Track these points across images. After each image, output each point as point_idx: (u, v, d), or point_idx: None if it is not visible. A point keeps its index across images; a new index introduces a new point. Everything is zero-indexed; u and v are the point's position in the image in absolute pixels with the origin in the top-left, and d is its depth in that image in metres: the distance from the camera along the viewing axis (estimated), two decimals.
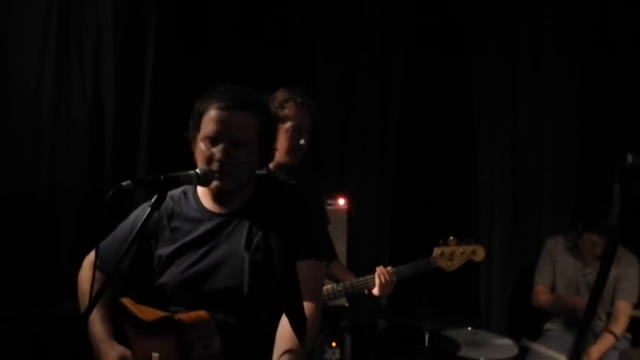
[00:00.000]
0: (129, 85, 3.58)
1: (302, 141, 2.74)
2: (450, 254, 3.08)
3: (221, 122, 1.87)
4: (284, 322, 1.82)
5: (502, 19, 4.20)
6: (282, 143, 2.66)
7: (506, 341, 3.64)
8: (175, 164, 1.94)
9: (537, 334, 3.80)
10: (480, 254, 3.13)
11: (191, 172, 1.86)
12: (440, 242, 3.11)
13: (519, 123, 4.23)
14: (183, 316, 1.86)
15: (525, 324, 3.98)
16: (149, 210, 1.77)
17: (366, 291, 2.96)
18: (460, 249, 3.10)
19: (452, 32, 4.25)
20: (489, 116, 4.26)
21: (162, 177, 1.78)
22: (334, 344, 3.56)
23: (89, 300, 1.70)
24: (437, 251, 3.08)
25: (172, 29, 3.78)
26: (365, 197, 4.20)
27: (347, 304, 3.40)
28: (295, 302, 1.77)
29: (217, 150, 1.87)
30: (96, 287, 1.75)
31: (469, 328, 3.68)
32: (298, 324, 1.75)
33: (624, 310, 3.54)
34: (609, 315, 3.58)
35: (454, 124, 4.29)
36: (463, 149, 4.30)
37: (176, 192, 2.02)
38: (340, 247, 3.69)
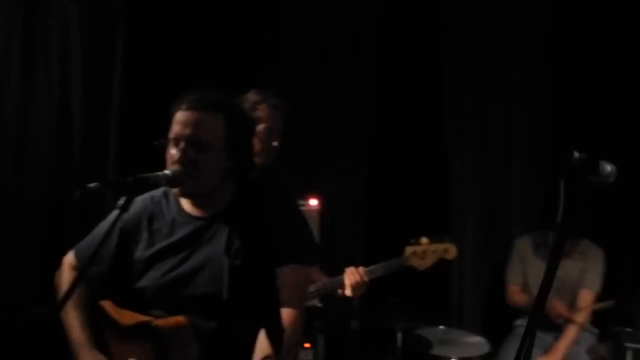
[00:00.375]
0: (97, 89, 3.53)
1: (274, 143, 2.73)
2: (422, 253, 3.09)
3: (182, 123, 1.84)
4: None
5: (472, 18, 4.22)
6: (254, 145, 2.64)
7: (478, 339, 3.66)
8: (145, 168, 1.88)
9: (508, 331, 3.84)
10: (452, 252, 3.15)
11: (160, 173, 1.82)
12: (412, 241, 3.12)
13: (489, 122, 4.27)
14: (161, 322, 1.84)
15: (497, 321, 4.02)
16: (118, 212, 1.73)
17: (339, 292, 2.95)
18: (432, 248, 3.11)
19: (422, 32, 4.27)
20: (459, 115, 4.29)
21: (130, 179, 1.75)
22: (307, 345, 3.55)
23: (65, 294, 1.66)
24: (409, 250, 3.09)
25: (141, 34, 3.74)
26: (337, 197, 4.20)
27: (319, 305, 3.39)
28: (271, 311, 1.75)
29: (176, 151, 1.84)
30: (80, 288, 1.79)
31: (441, 327, 3.70)
32: (274, 335, 1.73)
33: (586, 299, 3.59)
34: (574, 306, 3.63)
35: (425, 123, 4.30)
36: (434, 149, 4.32)
37: (157, 193, 1.98)
38: None
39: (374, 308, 3.44)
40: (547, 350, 3.55)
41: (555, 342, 3.55)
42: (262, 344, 1.79)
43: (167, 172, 1.83)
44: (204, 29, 3.98)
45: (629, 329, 2.90)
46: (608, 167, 1.49)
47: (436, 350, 3.52)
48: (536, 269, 3.76)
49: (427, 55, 4.29)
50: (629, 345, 2.85)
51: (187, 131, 1.83)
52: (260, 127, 2.67)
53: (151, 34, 3.79)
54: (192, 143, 1.83)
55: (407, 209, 4.19)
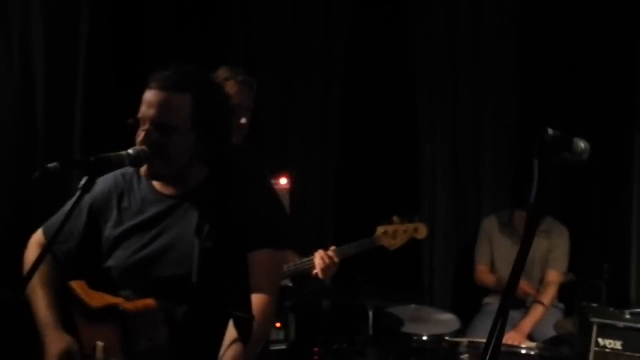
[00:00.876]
0: (61, 67, 3.42)
1: (243, 120, 2.67)
2: (394, 233, 3.08)
3: (147, 103, 1.77)
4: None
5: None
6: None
7: (449, 316, 3.70)
8: (113, 147, 1.80)
9: (478, 309, 3.88)
10: (422, 231, 3.14)
11: (124, 153, 1.75)
12: (384, 221, 3.11)
13: (460, 104, 4.27)
14: (129, 305, 1.79)
15: (467, 299, 4.06)
16: (79, 193, 1.67)
17: (312, 272, 2.93)
18: (403, 227, 3.10)
19: (393, 6, 4.23)
20: (430, 96, 4.28)
21: (92, 159, 1.68)
22: (278, 325, 3.54)
23: (28, 272, 1.61)
24: (380, 230, 3.08)
25: (106, 14, 3.63)
26: (308, 176, 4.18)
27: (290, 285, 3.37)
28: (241, 298, 1.66)
29: (140, 132, 1.78)
30: (48, 267, 1.74)
31: (413, 305, 3.71)
32: (242, 324, 1.65)
33: (553, 279, 3.64)
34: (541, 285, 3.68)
35: (396, 102, 4.29)
36: (406, 129, 4.32)
37: (129, 170, 1.91)
38: None
39: (346, 287, 3.44)
40: (513, 326, 3.60)
41: (522, 319, 3.59)
42: (232, 330, 1.73)
43: (130, 151, 1.76)
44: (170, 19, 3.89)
45: (594, 304, 2.94)
46: (582, 145, 1.48)
47: (407, 328, 3.55)
48: (503, 247, 3.79)
49: (398, 34, 4.26)
50: (594, 320, 2.90)
51: (152, 112, 1.76)
52: (233, 105, 2.61)
53: (116, 12, 3.68)
54: (157, 126, 1.76)
55: (378, 189, 4.18)
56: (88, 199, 1.84)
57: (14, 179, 3.22)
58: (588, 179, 4.03)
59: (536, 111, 4.09)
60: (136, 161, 1.78)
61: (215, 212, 1.80)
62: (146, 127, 1.77)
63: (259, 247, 1.79)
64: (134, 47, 3.70)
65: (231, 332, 1.74)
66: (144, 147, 1.77)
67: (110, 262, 1.87)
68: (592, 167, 3.95)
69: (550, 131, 1.34)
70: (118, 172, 1.90)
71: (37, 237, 1.99)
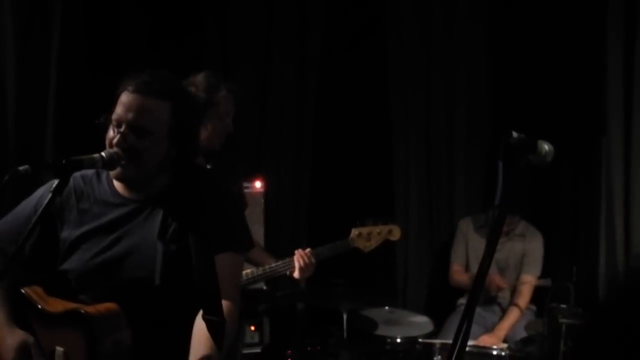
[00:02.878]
0: (32, 68, 3.38)
1: (230, 129, 2.69)
2: (368, 234, 3.11)
3: (126, 106, 1.77)
4: (201, 322, 1.72)
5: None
6: (208, 128, 2.59)
7: (422, 318, 3.73)
8: (85, 149, 1.81)
9: (451, 310, 3.92)
10: (396, 233, 3.17)
11: (96, 155, 1.75)
12: (358, 222, 3.13)
13: (433, 106, 4.32)
14: (90, 309, 1.76)
15: (441, 301, 4.10)
16: (50, 195, 1.67)
17: (287, 273, 2.94)
18: (377, 229, 3.13)
19: (367, 11, 4.26)
20: (403, 98, 4.32)
21: (63, 161, 1.68)
22: (252, 328, 3.54)
23: None
24: (354, 232, 3.10)
25: (79, 8, 3.60)
26: (283, 179, 4.19)
27: (265, 287, 3.38)
28: (213, 302, 1.67)
29: (116, 133, 1.78)
30: None
31: (386, 307, 3.74)
32: (216, 328, 1.66)
33: (528, 283, 3.70)
34: (514, 290, 3.73)
35: (370, 106, 4.33)
36: (379, 132, 4.35)
37: (89, 172, 1.90)
38: (258, 230, 3.66)
39: (320, 290, 3.45)
40: (488, 328, 3.65)
41: (497, 322, 3.64)
42: (199, 338, 1.72)
43: (103, 154, 1.76)
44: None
45: (563, 305, 3.00)
46: (546, 147, 1.51)
47: (381, 331, 3.57)
48: (478, 249, 3.84)
49: (372, 37, 4.30)
50: (563, 320, 2.95)
51: (130, 116, 1.77)
52: (217, 111, 2.62)
53: (89, 7, 3.66)
54: (134, 129, 1.77)
55: (352, 192, 4.21)
56: (43, 199, 1.78)
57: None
58: (557, 181, 4.10)
59: (508, 113, 4.15)
60: (109, 164, 1.78)
61: (178, 215, 1.81)
62: (122, 129, 1.77)
63: (220, 251, 1.79)
64: (107, 43, 3.69)
65: (197, 341, 1.73)
66: (116, 150, 1.77)
67: (68, 265, 1.84)
68: (561, 169, 4.07)
69: (515, 134, 1.37)
70: (77, 174, 1.87)
71: None
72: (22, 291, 1.85)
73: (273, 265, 2.93)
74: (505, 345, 3.37)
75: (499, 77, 4.27)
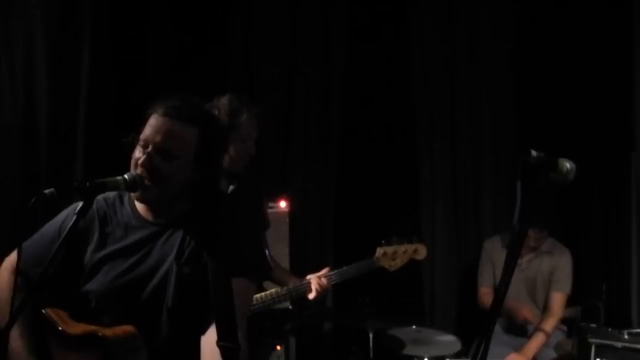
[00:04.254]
0: (64, 88, 3.45)
1: (252, 151, 2.72)
2: (393, 254, 3.10)
3: (155, 128, 1.81)
4: (210, 343, 1.71)
5: (439, 11, 4.25)
6: (230, 151, 2.62)
7: (450, 338, 3.68)
8: (114, 169, 1.84)
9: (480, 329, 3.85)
10: (422, 252, 3.16)
11: (119, 177, 1.77)
12: (383, 241, 3.12)
13: (459, 123, 4.30)
14: (108, 332, 1.79)
15: (469, 320, 4.05)
16: (75, 218, 1.69)
17: (302, 295, 2.95)
18: (403, 248, 3.12)
19: (390, 27, 4.28)
20: (428, 117, 4.31)
21: (87, 184, 1.70)
22: (278, 347, 3.53)
23: (10, 313, 1.60)
24: (379, 251, 3.09)
25: (108, 30, 3.68)
26: (308, 198, 4.19)
27: (291, 307, 3.37)
28: (229, 327, 1.67)
29: (142, 153, 1.80)
30: (17, 294, 1.65)
31: (414, 326, 3.70)
32: (230, 355, 1.65)
33: (557, 302, 3.62)
34: (544, 309, 3.67)
35: (395, 125, 4.33)
36: (404, 150, 4.34)
37: (111, 195, 1.93)
38: (283, 249, 3.67)
39: (346, 309, 3.43)
40: (517, 349, 3.58)
41: (525, 343, 3.58)
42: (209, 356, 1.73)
43: (126, 176, 1.79)
44: (170, 29, 3.94)
45: (593, 325, 2.93)
46: (567, 165, 1.49)
47: (408, 350, 3.54)
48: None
49: (395, 56, 4.30)
50: (592, 340, 2.89)
51: (158, 138, 1.80)
52: (240, 134, 2.65)
53: (118, 32, 3.74)
54: (160, 151, 1.79)
55: (378, 211, 4.19)
56: (67, 221, 1.83)
57: (17, 202, 3.24)
58: (588, 198, 4.03)
59: (535, 131, 4.11)
60: (132, 186, 1.80)
61: (196, 239, 1.83)
62: (149, 150, 1.80)
63: (234, 276, 1.78)
64: (136, 62, 3.74)
65: (208, 356, 1.73)
66: (140, 171, 1.80)
67: (90, 286, 1.86)
68: (591, 186, 4.00)
69: (534, 153, 1.36)
70: (100, 196, 1.89)
71: (11, 260, 1.96)
72: (44, 312, 1.87)
73: (294, 285, 2.94)
74: None
75: (524, 94, 4.25)
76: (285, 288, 2.94)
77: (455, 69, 4.28)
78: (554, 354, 3.38)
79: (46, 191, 1.65)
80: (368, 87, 4.27)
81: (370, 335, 3.33)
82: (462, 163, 4.30)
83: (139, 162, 1.80)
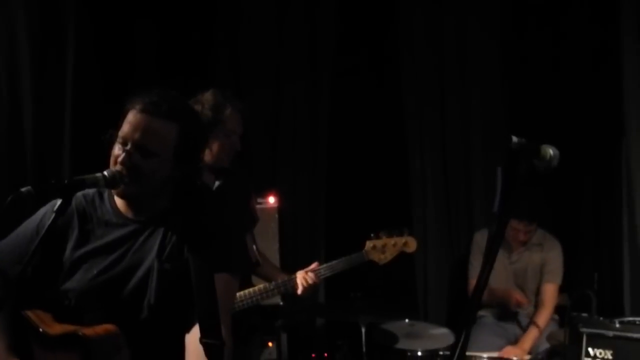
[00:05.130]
0: (48, 85, 3.43)
1: (237, 147, 2.70)
2: (382, 247, 3.07)
3: (133, 125, 1.77)
4: (193, 342, 1.69)
5: (427, 4, 4.24)
6: (215, 146, 2.60)
7: (443, 330, 3.67)
8: (102, 166, 1.81)
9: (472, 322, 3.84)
10: (412, 245, 3.13)
11: (98, 174, 1.74)
12: (372, 235, 3.10)
13: (448, 115, 4.28)
14: (89, 331, 1.75)
15: (461, 312, 4.02)
16: (53, 216, 1.66)
17: (291, 291, 2.93)
18: (392, 241, 3.09)
19: (378, 21, 4.26)
20: (418, 108, 4.29)
21: (65, 181, 1.68)
22: (270, 344, 3.51)
23: None
24: (369, 244, 3.07)
25: (92, 29, 3.66)
26: (298, 193, 4.18)
27: (282, 303, 3.35)
28: (212, 324, 1.65)
29: (121, 151, 1.78)
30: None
31: (407, 320, 3.68)
32: (214, 352, 1.63)
33: (549, 294, 3.62)
34: (537, 302, 3.66)
35: (384, 117, 4.30)
36: (394, 143, 4.32)
37: (90, 192, 1.90)
38: (272, 245, 3.66)
39: (338, 304, 3.41)
40: (511, 341, 3.57)
41: (521, 333, 3.56)
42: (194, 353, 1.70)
43: (105, 173, 1.76)
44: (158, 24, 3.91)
45: (584, 314, 2.92)
46: (550, 151, 1.47)
47: (402, 344, 3.52)
48: (496, 261, 3.75)
49: (384, 49, 4.29)
50: (584, 330, 2.87)
51: (137, 135, 1.77)
52: (224, 130, 2.63)
53: (102, 27, 3.71)
54: (139, 148, 1.77)
55: (369, 205, 4.17)
56: (46, 219, 1.81)
57: (2, 200, 3.20)
58: (578, 186, 4.02)
59: (525, 122, 4.10)
60: (111, 183, 1.77)
61: (177, 235, 1.81)
62: (128, 147, 1.77)
63: (218, 271, 1.76)
64: (121, 60, 3.72)
65: (193, 355, 1.72)
66: (119, 168, 1.78)
67: (69, 285, 1.83)
68: (581, 176, 3.99)
69: (515, 139, 1.33)
70: (79, 193, 1.86)
71: None
72: (23, 314, 1.84)
73: (282, 281, 2.92)
74: (527, 357, 3.29)
75: (513, 85, 4.23)
76: (272, 283, 2.92)
77: (444, 60, 4.25)
78: (547, 345, 3.37)
79: (23, 189, 1.62)
80: (357, 82, 4.25)
81: (363, 330, 3.30)
82: (452, 156, 4.28)
83: (119, 159, 1.77)
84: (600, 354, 2.83)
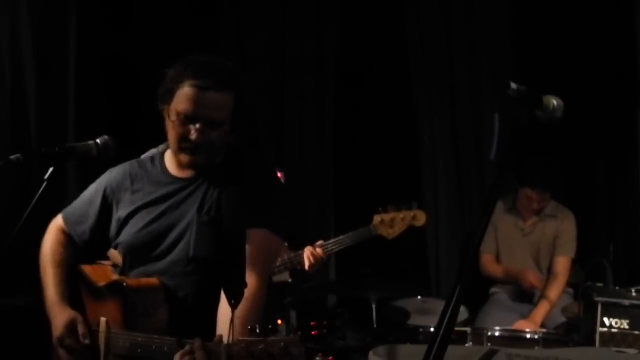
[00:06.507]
0: (51, 54, 3.40)
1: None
2: (391, 221, 3.02)
3: (198, 103, 1.83)
4: (225, 312, 1.73)
5: None
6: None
7: None
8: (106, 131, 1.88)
9: (486, 298, 3.78)
10: (421, 219, 3.07)
11: (90, 142, 1.80)
12: (380, 209, 3.04)
13: (457, 86, 4.20)
14: (132, 282, 1.86)
15: (476, 287, 3.96)
16: (45, 184, 1.69)
17: (299, 268, 2.90)
18: (401, 215, 3.03)
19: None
20: (426, 80, 4.21)
21: (56, 149, 1.71)
22: (279, 322, 3.48)
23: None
24: (377, 219, 3.02)
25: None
26: (306, 169, 4.13)
27: (290, 280, 3.32)
28: (235, 266, 1.68)
29: (193, 130, 1.84)
30: (63, 248, 1.94)
31: (419, 297, 3.63)
32: (232, 290, 1.64)
33: (562, 267, 3.52)
34: (550, 275, 3.58)
35: (392, 90, 4.23)
36: (403, 116, 4.24)
37: (144, 158, 2.07)
38: None
39: (348, 281, 3.36)
40: (525, 315, 3.50)
41: (532, 309, 3.49)
42: (225, 309, 1.73)
43: (98, 141, 1.80)
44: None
45: (599, 284, 2.85)
46: (554, 101, 1.39)
47: (414, 320, 3.48)
48: (508, 235, 3.68)
49: (391, 26, 4.19)
50: (599, 299, 2.80)
51: (207, 113, 1.84)
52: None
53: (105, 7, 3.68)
54: (209, 124, 1.84)
55: (379, 180, 4.11)
56: (104, 184, 1.98)
57: (12, 177, 3.19)
58: (592, 156, 3.93)
59: (536, 89, 3.99)
60: (104, 150, 1.81)
61: (220, 191, 1.89)
62: (197, 126, 1.83)
63: (257, 226, 1.83)
64: (123, 41, 3.69)
65: (224, 310, 1.75)
66: (108, 137, 1.82)
67: (121, 239, 1.95)
68: (596, 145, 3.90)
69: (514, 85, 1.26)
70: (134, 160, 2.04)
71: (58, 222, 2.07)
72: (78, 268, 1.99)
73: (288, 257, 2.89)
74: (543, 330, 3.22)
75: (524, 53, 4.12)
76: (279, 260, 2.88)
77: (452, 39, 4.17)
78: (562, 318, 3.30)
79: (12, 157, 1.64)
80: (363, 54, 4.18)
81: (374, 307, 3.26)
82: (462, 127, 4.19)
83: (191, 137, 1.83)
84: (617, 323, 2.76)
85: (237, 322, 1.66)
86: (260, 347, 1.37)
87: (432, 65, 4.21)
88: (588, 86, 3.90)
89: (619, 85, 3.84)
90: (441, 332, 1.07)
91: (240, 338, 1.45)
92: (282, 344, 1.36)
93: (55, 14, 3.41)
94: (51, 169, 1.68)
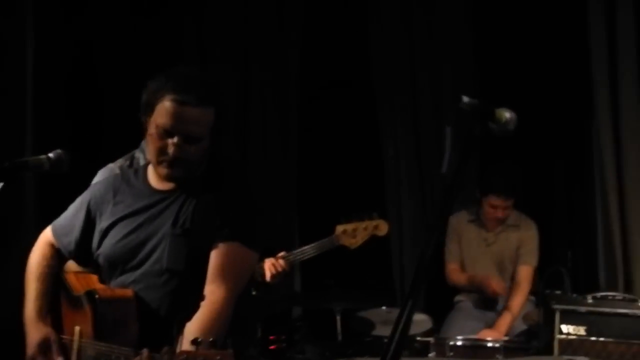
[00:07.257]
0: (8, 73, 3.35)
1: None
2: (353, 231, 3.04)
3: (177, 117, 1.83)
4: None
5: None
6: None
7: (420, 316, 3.62)
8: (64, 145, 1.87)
9: (450, 307, 3.81)
10: (383, 228, 3.09)
11: (42, 156, 1.78)
12: (342, 219, 3.06)
13: (420, 96, 4.23)
14: (105, 292, 1.89)
15: (439, 297, 3.99)
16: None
17: (260, 279, 2.89)
18: (363, 225, 3.06)
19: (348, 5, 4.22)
20: (389, 89, 4.25)
21: (7, 164, 1.70)
22: None
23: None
24: (339, 229, 3.04)
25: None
26: (270, 180, 4.12)
27: (254, 292, 3.29)
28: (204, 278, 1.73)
29: (170, 144, 1.85)
30: (47, 262, 1.97)
31: (384, 307, 3.64)
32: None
33: (525, 275, 3.58)
34: (512, 285, 3.62)
35: (355, 102, 4.25)
36: (366, 127, 4.27)
37: (127, 169, 2.13)
38: None
39: (312, 292, 3.36)
40: (489, 324, 3.54)
41: (497, 318, 3.53)
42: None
43: (50, 155, 1.79)
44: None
45: (557, 292, 2.89)
46: (507, 114, 1.42)
47: (379, 331, 3.49)
48: (472, 245, 3.73)
49: (353, 32, 4.23)
50: (556, 307, 2.84)
51: (183, 127, 1.83)
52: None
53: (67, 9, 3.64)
54: (187, 138, 1.84)
55: (342, 190, 4.13)
56: (88, 196, 2.02)
57: None
58: (550, 165, 4.00)
59: (497, 103, 4.05)
60: (56, 164, 1.79)
61: (197, 204, 1.90)
62: (175, 140, 1.84)
63: (229, 239, 1.84)
64: (83, 40, 3.65)
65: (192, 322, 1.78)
66: (61, 151, 1.81)
67: (101, 249, 1.97)
68: (554, 152, 3.97)
69: (465, 99, 1.28)
70: (117, 171, 2.11)
71: (46, 235, 2.09)
72: (62, 277, 2.02)
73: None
74: (505, 338, 3.26)
75: (485, 64, 4.19)
76: None
77: (414, 46, 4.20)
78: (523, 325, 3.35)
79: None
80: (326, 65, 4.19)
81: (338, 317, 3.27)
82: (425, 137, 4.22)
83: (169, 150, 1.84)
84: (574, 330, 2.80)
85: (193, 332, 1.69)
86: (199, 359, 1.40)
87: (395, 77, 4.24)
88: (545, 96, 3.98)
89: (573, 95, 3.92)
90: (392, 346, 1.07)
91: (183, 349, 1.48)
92: (218, 357, 1.39)
93: (13, 24, 3.36)
94: (1, 184, 1.65)
